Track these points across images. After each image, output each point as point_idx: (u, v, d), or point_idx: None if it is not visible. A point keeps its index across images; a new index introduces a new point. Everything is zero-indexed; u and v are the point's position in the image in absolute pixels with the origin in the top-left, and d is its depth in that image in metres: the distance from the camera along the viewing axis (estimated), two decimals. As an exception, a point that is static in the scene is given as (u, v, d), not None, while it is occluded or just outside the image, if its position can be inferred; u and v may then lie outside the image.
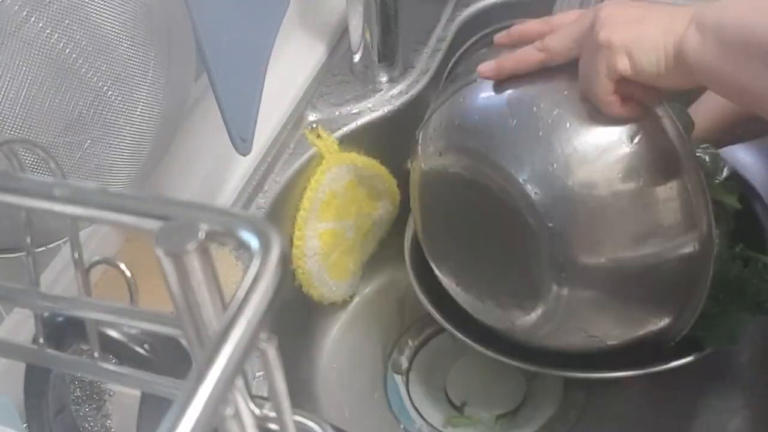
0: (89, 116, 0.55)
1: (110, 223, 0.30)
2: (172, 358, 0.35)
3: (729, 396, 0.85)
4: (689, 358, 0.73)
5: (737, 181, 0.77)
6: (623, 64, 0.60)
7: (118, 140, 0.58)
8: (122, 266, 0.31)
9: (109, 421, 0.62)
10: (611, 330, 0.72)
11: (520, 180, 0.67)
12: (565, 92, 0.66)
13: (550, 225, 0.66)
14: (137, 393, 0.61)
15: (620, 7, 0.62)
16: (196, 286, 0.24)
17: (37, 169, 0.52)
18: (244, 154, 0.72)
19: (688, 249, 0.67)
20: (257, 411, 0.29)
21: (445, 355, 0.90)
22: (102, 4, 0.54)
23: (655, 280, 0.68)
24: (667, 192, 0.65)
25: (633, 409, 0.82)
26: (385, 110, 0.91)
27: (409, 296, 0.97)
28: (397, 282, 0.99)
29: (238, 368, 0.22)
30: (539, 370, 0.77)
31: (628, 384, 0.84)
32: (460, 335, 0.78)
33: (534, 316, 0.71)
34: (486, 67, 0.70)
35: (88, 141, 0.56)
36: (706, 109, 0.75)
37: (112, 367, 0.30)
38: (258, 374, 0.68)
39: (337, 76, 0.94)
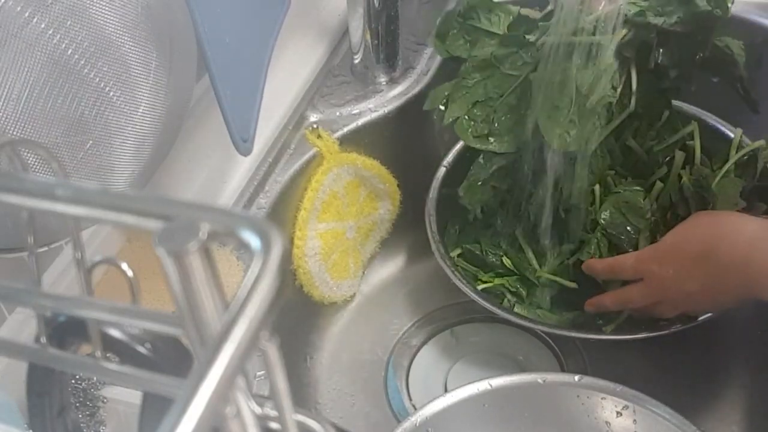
0: (91, 117, 0.55)
1: (112, 223, 0.30)
2: (174, 358, 0.36)
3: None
4: (689, 324, 0.75)
5: None
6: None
7: (120, 141, 0.58)
8: (124, 266, 0.32)
9: (103, 428, 0.62)
10: None
11: None
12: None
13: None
14: (131, 399, 0.61)
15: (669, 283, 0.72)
16: (198, 286, 0.24)
17: (39, 169, 0.52)
18: (245, 155, 0.72)
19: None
20: (258, 410, 0.29)
21: (445, 355, 0.90)
22: (104, 6, 0.54)
23: None
24: None
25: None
26: (386, 111, 0.91)
27: (409, 296, 0.97)
28: (398, 282, 0.99)
29: (239, 368, 0.22)
30: (551, 330, 0.80)
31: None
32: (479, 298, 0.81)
33: None
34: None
35: (90, 141, 0.56)
36: None
37: (113, 367, 0.30)
38: (259, 374, 0.68)
39: (338, 76, 0.95)
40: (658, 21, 0.75)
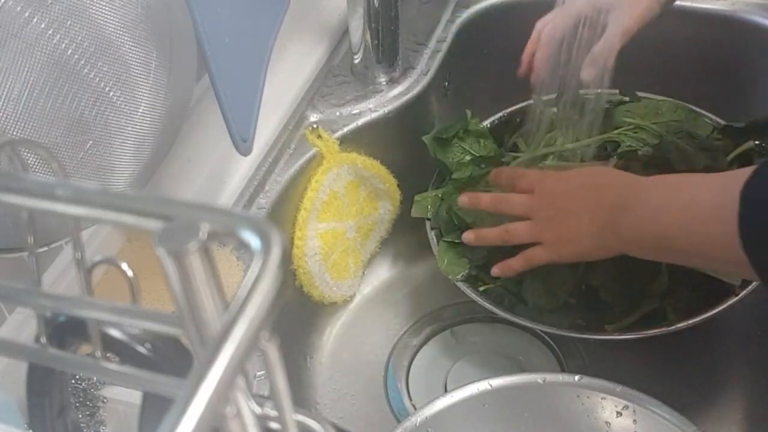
0: (91, 117, 0.55)
1: (112, 223, 0.30)
2: (174, 358, 0.36)
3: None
4: (688, 322, 0.75)
5: None
6: (542, 257, 0.75)
7: (120, 141, 0.58)
8: (124, 266, 0.32)
9: (103, 428, 0.62)
10: None
11: None
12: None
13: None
14: (131, 399, 0.61)
15: (552, 198, 0.74)
16: (198, 286, 0.24)
17: (39, 169, 0.52)
18: (245, 155, 0.72)
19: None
20: (258, 410, 0.29)
21: (445, 355, 0.90)
22: (104, 6, 0.54)
23: None
24: None
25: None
26: (386, 111, 0.91)
27: (409, 296, 0.97)
28: (398, 282, 0.99)
29: (239, 368, 0.22)
30: (551, 330, 0.80)
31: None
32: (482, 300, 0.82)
33: None
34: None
35: (90, 141, 0.56)
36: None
37: (113, 367, 0.30)
38: (259, 374, 0.68)
39: (338, 76, 0.95)
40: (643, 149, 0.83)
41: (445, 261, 0.85)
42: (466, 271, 0.84)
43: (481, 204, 0.79)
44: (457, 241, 0.85)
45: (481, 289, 0.84)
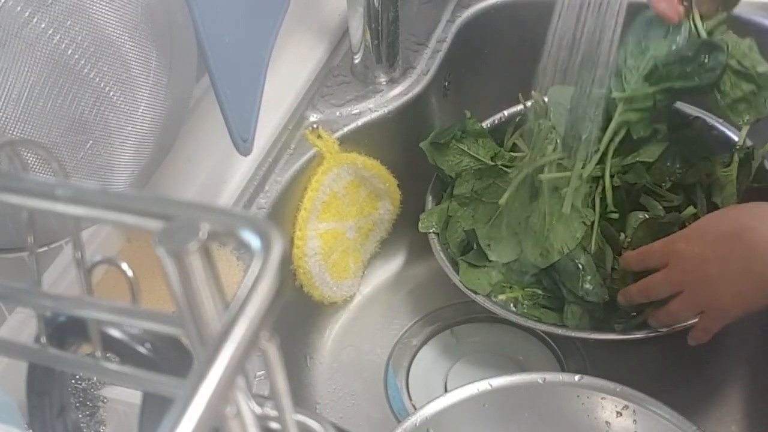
0: (91, 117, 0.55)
1: (112, 223, 0.30)
2: (174, 358, 0.36)
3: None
4: (689, 322, 0.75)
5: None
6: (713, 326, 0.73)
7: (120, 141, 0.58)
8: (124, 266, 0.32)
9: (103, 428, 0.62)
10: None
11: None
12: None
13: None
14: (131, 399, 0.61)
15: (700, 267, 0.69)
16: (198, 286, 0.24)
17: (39, 169, 0.52)
18: (245, 155, 0.72)
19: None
20: (258, 410, 0.29)
21: (445, 355, 0.90)
22: (104, 6, 0.54)
23: None
24: None
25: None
26: (386, 111, 0.91)
27: (409, 296, 0.97)
28: (398, 282, 0.99)
29: (239, 367, 0.22)
30: (551, 330, 0.81)
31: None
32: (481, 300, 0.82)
33: None
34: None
35: (90, 141, 0.56)
36: None
37: (113, 367, 0.30)
38: (259, 374, 0.68)
39: (338, 76, 0.95)
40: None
41: (468, 278, 0.84)
42: (490, 287, 0.84)
43: (634, 298, 0.77)
44: (478, 264, 0.84)
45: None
